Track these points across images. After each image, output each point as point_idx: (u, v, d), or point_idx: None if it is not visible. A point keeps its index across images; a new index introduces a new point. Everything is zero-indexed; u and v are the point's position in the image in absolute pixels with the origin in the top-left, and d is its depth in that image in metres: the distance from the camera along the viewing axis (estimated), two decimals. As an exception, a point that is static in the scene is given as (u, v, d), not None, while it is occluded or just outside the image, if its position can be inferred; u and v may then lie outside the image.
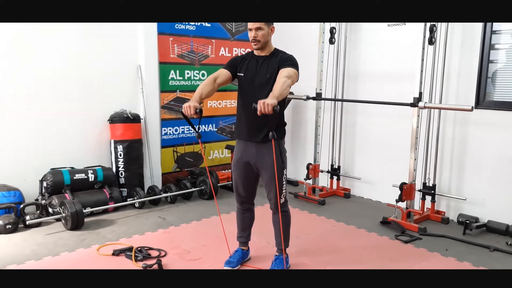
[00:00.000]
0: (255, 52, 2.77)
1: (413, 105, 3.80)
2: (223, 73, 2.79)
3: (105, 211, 4.15)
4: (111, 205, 4.15)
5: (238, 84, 2.83)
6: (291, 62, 2.65)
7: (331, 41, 4.79)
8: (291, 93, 4.89)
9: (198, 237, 3.56)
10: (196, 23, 4.99)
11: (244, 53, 2.91)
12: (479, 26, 3.80)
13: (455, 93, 4.01)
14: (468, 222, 3.70)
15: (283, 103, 2.86)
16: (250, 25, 2.65)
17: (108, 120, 4.43)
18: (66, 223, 3.71)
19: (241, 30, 5.38)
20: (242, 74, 2.77)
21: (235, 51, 5.37)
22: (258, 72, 2.71)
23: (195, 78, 5.06)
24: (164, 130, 4.90)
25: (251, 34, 2.66)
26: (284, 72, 2.56)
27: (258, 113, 2.34)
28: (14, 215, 3.68)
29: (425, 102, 3.77)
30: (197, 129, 2.74)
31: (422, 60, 3.77)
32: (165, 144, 4.93)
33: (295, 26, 5.26)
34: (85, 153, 4.38)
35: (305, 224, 3.93)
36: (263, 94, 2.63)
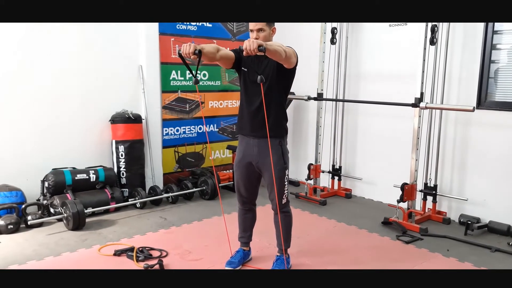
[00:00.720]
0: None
1: (415, 105, 3.80)
2: (226, 50, 2.72)
3: (107, 211, 4.15)
4: (113, 205, 4.16)
5: (242, 79, 2.82)
6: (289, 46, 2.64)
7: (333, 42, 4.79)
8: (292, 93, 4.89)
9: (200, 238, 3.56)
10: (198, 24, 5.00)
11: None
12: (480, 26, 3.79)
13: (456, 93, 4.01)
14: (469, 222, 3.69)
15: (285, 100, 2.86)
16: (252, 26, 2.64)
17: (110, 120, 4.44)
18: (67, 223, 3.71)
19: (242, 30, 5.38)
20: (246, 70, 2.77)
21: (237, 51, 5.37)
22: (258, 69, 2.71)
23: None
24: (166, 130, 4.91)
25: (252, 36, 2.66)
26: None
27: (244, 53, 2.26)
28: (15, 215, 3.69)
29: (427, 103, 3.76)
30: (194, 74, 2.52)
31: (424, 60, 3.77)
32: (166, 144, 4.93)
33: (297, 26, 5.26)
34: (86, 153, 4.39)
35: (306, 225, 3.93)
36: (263, 90, 2.64)
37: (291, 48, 2.64)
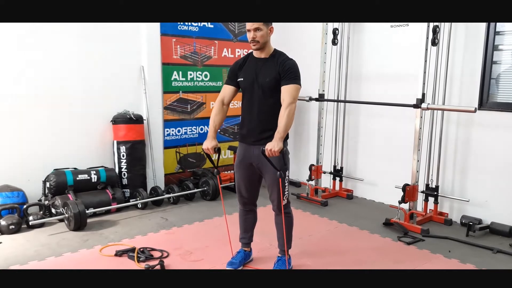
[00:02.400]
0: (255, 54, 2.77)
1: (416, 106, 3.79)
2: (227, 91, 2.84)
3: (108, 212, 4.15)
4: (114, 206, 4.16)
5: (241, 88, 2.83)
6: (293, 75, 2.65)
7: (334, 42, 4.78)
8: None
9: (201, 238, 3.56)
10: (199, 24, 5.00)
11: (246, 53, 2.94)
12: (482, 27, 3.79)
13: (458, 94, 4.00)
14: (471, 223, 3.68)
15: None
16: (249, 26, 2.64)
17: (111, 121, 4.44)
18: (69, 223, 3.72)
19: (244, 31, 5.38)
20: (242, 79, 2.77)
21: (238, 52, 5.37)
22: (257, 75, 2.71)
23: (197, 79, 5.07)
24: (167, 131, 4.91)
25: (249, 35, 2.65)
26: (286, 96, 2.60)
27: (267, 154, 2.51)
28: (17, 216, 3.69)
29: (428, 103, 3.76)
30: (216, 165, 2.93)
31: (425, 61, 3.76)
32: (168, 145, 4.93)
33: (298, 27, 5.26)
34: (88, 154, 4.39)
35: (308, 225, 3.92)
36: (263, 96, 2.69)
37: (294, 81, 2.63)
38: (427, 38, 3.76)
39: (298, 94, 2.68)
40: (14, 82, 3.91)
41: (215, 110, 2.84)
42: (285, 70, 2.64)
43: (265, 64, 2.71)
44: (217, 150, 2.77)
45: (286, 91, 2.63)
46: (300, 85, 2.68)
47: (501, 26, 3.74)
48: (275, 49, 2.77)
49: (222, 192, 4.81)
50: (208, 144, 2.77)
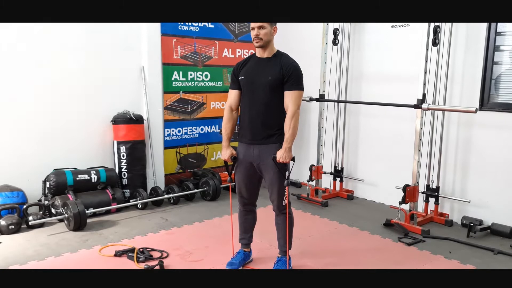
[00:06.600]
0: (257, 54, 2.77)
1: (417, 106, 3.79)
2: (233, 96, 2.84)
3: (108, 212, 4.15)
4: (114, 206, 4.15)
5: (242, 87, 2.82)
6: (296, 80, 2.66)
7: (335, 43, 4.77)
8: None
9: (201, 239, 3.55)
10: (199, 24, 5.00)
11: (248, 54, 2.94)
12: (483, 27, 3.78)
13: (459, 94, 3.99)
14: (472, 224, 3.67)
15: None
16: (253, 24, 2.64)
17: (111, 121, 4.44)
18: (68, 223, 3.71)
19: (245, 31, 5.38)
20: (243, 77, 2.77)
21: (239, 52, 5.37)
22: (259, 73, 2.71)
23: (198, 79, 5.07)
24: (167, 131, 4.90)
25: (253, 33, 2.65)
26: (290, 104, 2.64)
27: (277, 161, 2.64)
28: (17, 216, 3.69)
29: (429, 104, 3.75)
30: (230, 174, 2.94)
31: (426, 61, 3.76)
32: (168, 145, 4.93)
33: (299, 27, 5.25)
34: (88, 154, 4.39)
35: (308, 226, 3.92)
36: (263, 95, 2.68)
37: (298, 88, 2.66)
38: (428, 38, 3.75)
39: (301, 99, 2.71)
40: (14, 82, 3.90)
41: (225, 118, 2.86)
42: (289, 73, 2.65)
43: (268, 64, 2.70)
44: (233, 159, 2.83)
45: (290, 98, 2.65)
46: (303, 89, 2.70)
47: (502, 26, 3.73)
48: (278, 50, 2.77)
49: (221, 193, 4.87)
50: (224, 154, 2.84)
